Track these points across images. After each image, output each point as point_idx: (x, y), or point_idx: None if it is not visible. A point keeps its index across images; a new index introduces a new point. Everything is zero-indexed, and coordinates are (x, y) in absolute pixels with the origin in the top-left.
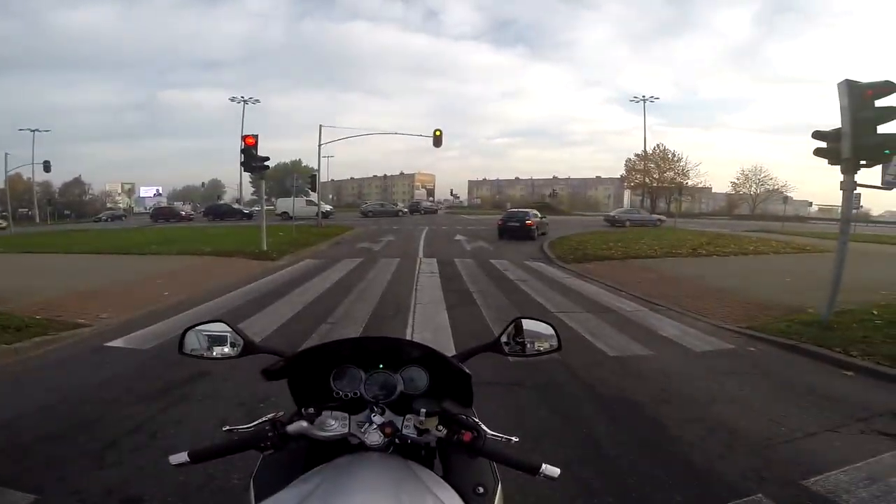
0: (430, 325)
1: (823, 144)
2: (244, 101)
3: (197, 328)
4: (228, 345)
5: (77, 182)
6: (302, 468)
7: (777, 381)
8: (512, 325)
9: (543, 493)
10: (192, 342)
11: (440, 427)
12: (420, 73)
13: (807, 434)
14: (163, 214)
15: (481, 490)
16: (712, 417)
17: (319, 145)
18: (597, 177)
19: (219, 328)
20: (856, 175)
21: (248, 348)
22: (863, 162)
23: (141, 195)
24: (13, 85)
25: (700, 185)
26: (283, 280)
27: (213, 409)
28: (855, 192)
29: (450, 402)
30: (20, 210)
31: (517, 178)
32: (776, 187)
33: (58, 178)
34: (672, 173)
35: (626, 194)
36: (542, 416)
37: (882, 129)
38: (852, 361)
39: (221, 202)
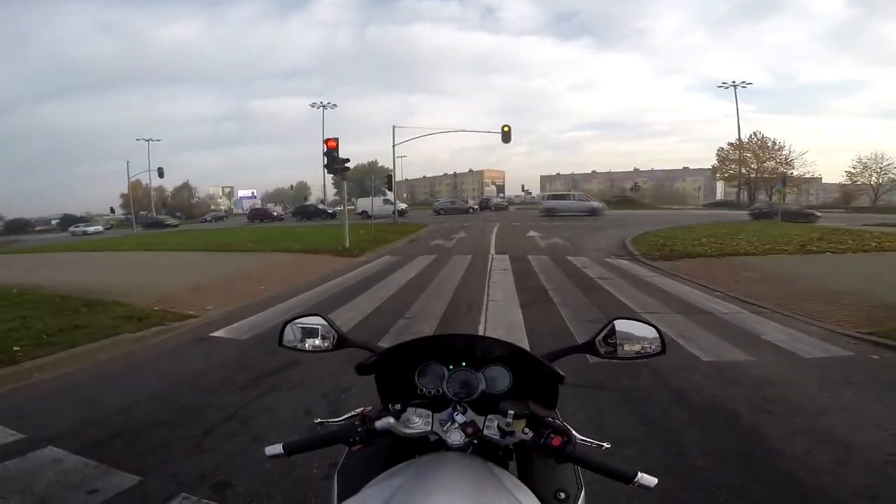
0: (503, 322)
1: None
2: (323, 106)
3: (295, 321)
4: (322, 337)
5: (186, 186)
6: (384, 464)
7: None
8: (608, 327)
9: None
10: (290, 335)
11: (526, 430)
12: (483, 70)
13: None
14: (258, 215)
15: (563, 496)
16: (823, 430)
17: (394, 145)
18: (684, 168)
19: (315, 321)
20: None
21: (342, 342)
22: None
23: (239, 197)
24: (128, 99)
25: (807, 175)
26: (364, 276)
27: (300, 399)
28: None
29: (533, 403)
30: (141, 213)
31: (594, 172)
32: None
33: (169, 184)
34: (773, 163)
35: (719, 185)
36: (625, 422)
37: None
38: None
39: (308, 203)
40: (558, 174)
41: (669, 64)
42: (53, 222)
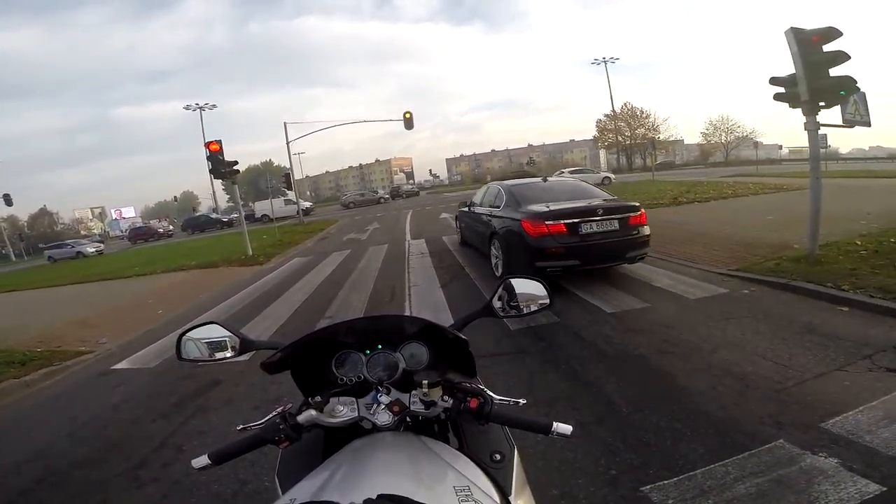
0: (427, 303)
1: (782, 90)
2: (199, 108)
3: (191, 333)
4: (225, 344)
5: (44, 213)
6: (321, 457)
7: (776, 323)
8: (501, 287)
9: (567, 458)
10: (190, 348)
11: (445, 397)
12: (382, 59)
13: (816, 375)
14: (140, 235)
15: (498, 457)
16: (718, 365)
17: (287, 143)
18: (570, 140)
19: (212, 330)
20: (817, 116)
21: (245, 346)
22: (821, 103)
23: (114, 217)
24: None
25: (672, 139)
26: (276, 281)
27: (231, 416)
28: (819, 131)
29: (453, 373)
30: None
31: (493, 151)
32: (745, 134)
33: (22, 211)
34: (643, 129)
35: (602, 154)
36: (552, 381)
37: (834, 71)
38: (845, 296)
39: (199, 213)
40: (462, 155)
41: (549, 43)
42: None
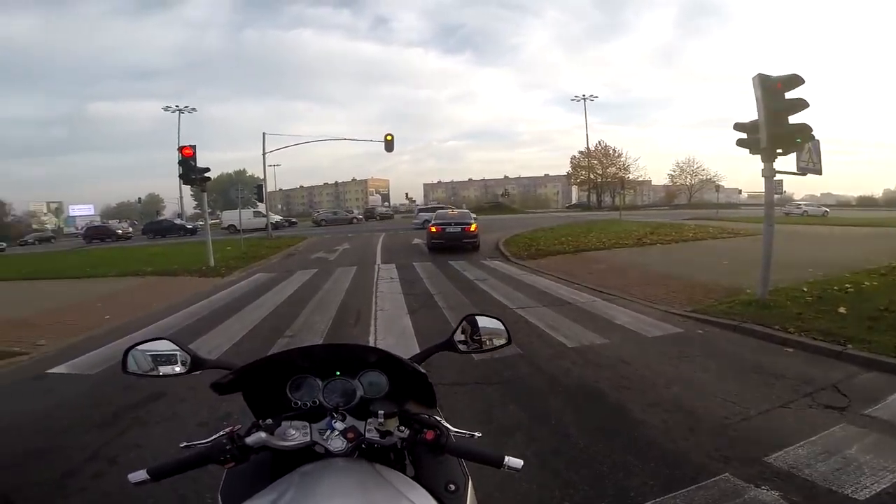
0: (393, 330)
1: (744, 135)
2: (179, 110)
3: (139, 347)
4: (174, 361)
5: None
6: (269, 479)
7: (726, 361)
8: (464, 322)
9: (522, 489)
10: (137, 361)
11: (401, 427)
12: (370, 79)
13: (760, 412)
14: (97, 234)
15: (452, 487)
16: (671, 400)
17: (264, 153)
18: (545, 175)
19: (163, 345)
20: (774, 162)
21: (196, 364)
22: (779, 150)
23: (71, 214)
24: None
25: (641, 179)
26: (234, 296)
27: (173, 431)
28: (775, 178)
29: (412, 403)
30: None
31: (470, 180)
32: (708, 177)
33: None
34: (614, 168)
35: (574, 190)
36: (511, 411)
37: (793, 119)
38: (791, 338)
39: (162, 218)
40: (440, 182)
41: (535, 79)
42: None
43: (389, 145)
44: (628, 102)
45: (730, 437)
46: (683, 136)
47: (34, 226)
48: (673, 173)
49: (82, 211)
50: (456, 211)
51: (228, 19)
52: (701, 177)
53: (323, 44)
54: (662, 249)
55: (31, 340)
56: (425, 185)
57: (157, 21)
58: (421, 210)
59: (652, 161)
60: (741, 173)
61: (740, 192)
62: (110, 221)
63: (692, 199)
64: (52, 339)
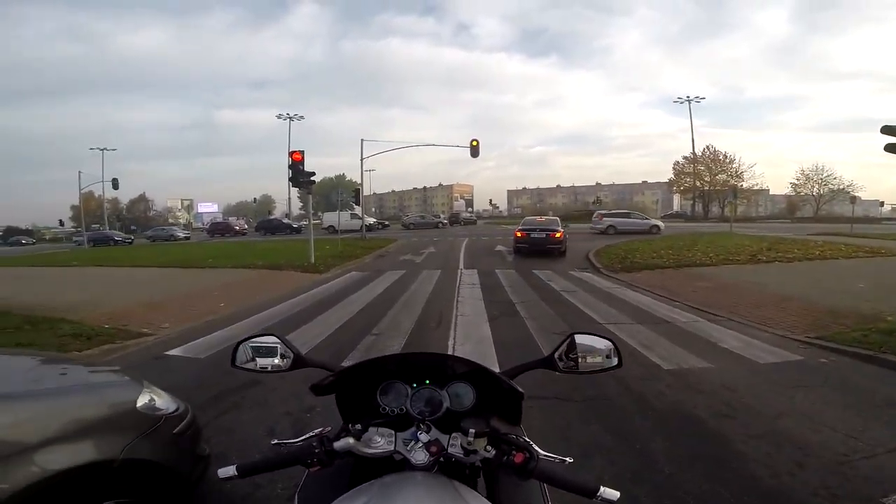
0: (472, 336)
1: (894, 139)
2: (289, 117)
3: (249, 341)
4: (279, 357)
5: (142, 199)
6: (347, 485)
7: (853, 394)
8: (567, 341)
9: None
10: (245, 355)
11: (489, 448)
12: (455, 85)
13: (888, 450)
14: (219, 229)
15: None
16: (781, 433)
17: (362, 159)
18: (643, 181)
19: (270, 341)
20: None
21: (298, 362)
22: None
23: (199, 211)
24: (84, 106)
25: (756, 188)
26: (330, 292)
27: (262, 419)
28: None
29: (497, 419)
30: (93, 226)
31: (558, 186)
32: (841, 187)
33: (124, 195)
34: (725, 176)
35: (676, 198)
36: (592, 432)
37: None
38: None
39: (272, 217)
40: (525, 189)
41: (629, 81)
42: None
43: (475, 150)
44: (737, 104)
45: (845, 476)
46: (807, 140)
47: (170, 220)
48: (796, 181)
49: (208, 208)
50: (544, 218)
51: (329, 30)
52: (831, 186)
53: (410, 51)
54: (782, 268)
55: (158, 323)
56: (509, 191)
57: (270, 34)
58: (606, 215)
59: (768, 168)
60: (882, 183)
61: (882, 204)
62: (230, 218)
63: (819, 210)
64: (174, 322)
